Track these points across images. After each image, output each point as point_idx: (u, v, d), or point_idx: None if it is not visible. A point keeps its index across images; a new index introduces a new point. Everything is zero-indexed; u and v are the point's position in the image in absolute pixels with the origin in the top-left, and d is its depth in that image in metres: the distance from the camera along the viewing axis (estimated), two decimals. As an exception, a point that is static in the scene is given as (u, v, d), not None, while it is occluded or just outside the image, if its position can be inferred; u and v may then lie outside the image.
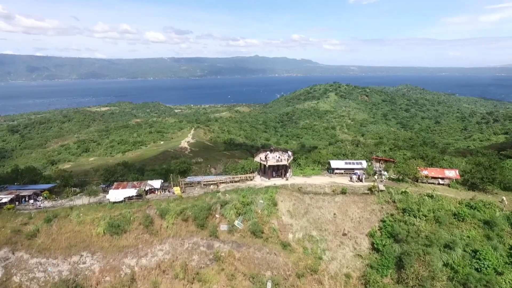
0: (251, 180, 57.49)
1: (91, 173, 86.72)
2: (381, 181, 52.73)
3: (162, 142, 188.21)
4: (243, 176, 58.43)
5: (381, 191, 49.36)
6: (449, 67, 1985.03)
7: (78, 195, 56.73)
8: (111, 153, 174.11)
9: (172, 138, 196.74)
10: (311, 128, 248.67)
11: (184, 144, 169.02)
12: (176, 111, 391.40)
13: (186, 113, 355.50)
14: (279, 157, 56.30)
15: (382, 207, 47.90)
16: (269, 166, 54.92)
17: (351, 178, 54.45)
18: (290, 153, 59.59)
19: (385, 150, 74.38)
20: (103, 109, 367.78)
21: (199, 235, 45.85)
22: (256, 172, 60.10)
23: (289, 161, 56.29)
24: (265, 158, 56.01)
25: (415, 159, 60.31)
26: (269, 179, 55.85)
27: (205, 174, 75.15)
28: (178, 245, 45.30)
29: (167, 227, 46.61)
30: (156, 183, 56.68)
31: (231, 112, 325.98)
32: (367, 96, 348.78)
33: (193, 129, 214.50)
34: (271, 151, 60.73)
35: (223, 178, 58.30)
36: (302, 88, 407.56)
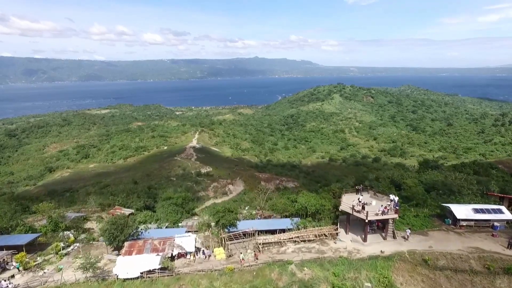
0: (334, 238, 39.37)
1: (90, 203, 70.96)
2: None
3: (165, 147, 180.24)
4: (320, 231, 39.76)
5: None
6: (448, 67, 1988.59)
7: (71, 248, 42.57)
8: (112, 159, 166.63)
9: (176, 143, 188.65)
10: (319, 131, 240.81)
11: (189, 150, 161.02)
12: (177, 113, 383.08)
13: (188, 116, 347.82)
14: (384, 208, 37.66)
15: None
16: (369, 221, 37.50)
17: (509, 243, 35.85)
18: (395, 198, 39.17)
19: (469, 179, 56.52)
20: (103, 111, 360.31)
21: None
22: (338, 224, 42.11)
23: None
24: (362, 208, 37.31)
25: None
26: (365, 239, 38.19)
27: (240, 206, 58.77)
28: None
29: (213, 324, 30.28)
30: (188, 243, 37.39)
31: (234, 115, 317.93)
32: (372, 97, 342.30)
33: (197, 133, 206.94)
34: (358, 191, 42.73)
35: (288, 232, 39.59)
36: (305, 90, 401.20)
